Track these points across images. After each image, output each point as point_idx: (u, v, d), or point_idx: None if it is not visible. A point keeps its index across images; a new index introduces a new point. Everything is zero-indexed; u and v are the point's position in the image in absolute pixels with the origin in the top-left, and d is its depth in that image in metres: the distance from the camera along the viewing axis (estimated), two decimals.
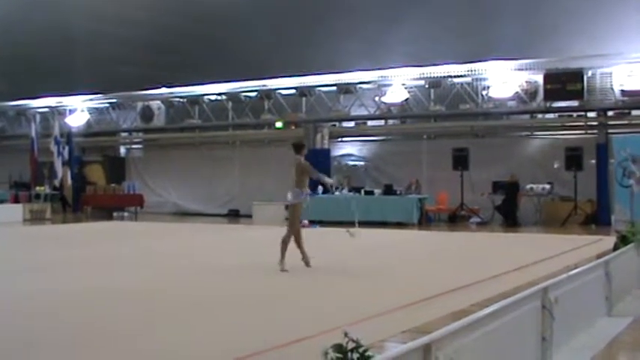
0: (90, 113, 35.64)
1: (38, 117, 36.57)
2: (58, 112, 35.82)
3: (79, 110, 35.54)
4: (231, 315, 8.83)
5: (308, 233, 22.27)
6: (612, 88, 25.07)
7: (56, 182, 31.82)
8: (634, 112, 25.70)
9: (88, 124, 35.57)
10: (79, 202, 32.44)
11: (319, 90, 30.03)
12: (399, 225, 24.89)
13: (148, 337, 7.74)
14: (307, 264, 13.12)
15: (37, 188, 31.56)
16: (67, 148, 31.68)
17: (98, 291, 10.67)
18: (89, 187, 32.81)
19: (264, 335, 7.62)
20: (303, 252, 13.22)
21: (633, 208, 20.89)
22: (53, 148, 31.18)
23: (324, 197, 26.92)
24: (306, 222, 25.10)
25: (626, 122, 25.81)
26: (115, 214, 32.17)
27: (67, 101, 35.78)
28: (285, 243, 13.16)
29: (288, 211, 13.86)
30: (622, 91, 24.83)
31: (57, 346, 7.42)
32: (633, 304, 9.30)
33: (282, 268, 12.81)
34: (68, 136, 32.39)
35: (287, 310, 9.24)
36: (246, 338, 7.54)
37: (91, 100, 35.45)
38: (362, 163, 30.47)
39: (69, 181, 32.03)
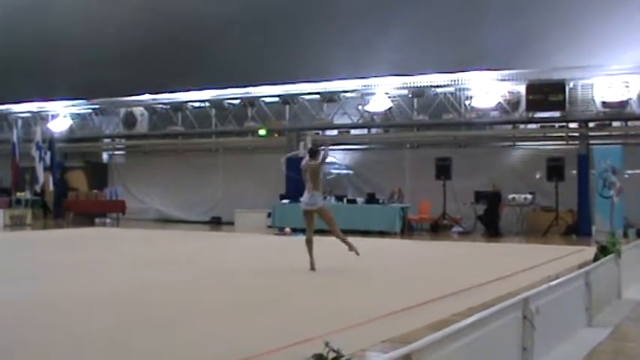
0: (72, 119, 35.50)
1: (20, 122, 36.37)
2: (40, 118, 35.67)
3: (61, 116, 35.40)
4: (206, 323, 8.79)
5: (292, 242, 22.33)
6: (593, 100, 25.25)
7: (38, 188, 31.67)
8: (614, 124, 25.92)
9: (71, 129, 35.42)
10: (60, 208, 32.27)
11: (303, 98, 30.06)
12: (382, 234, 24.92)
13: (124, 343, 7.71)
14: (352, 250, 13.99)
15: (18, 194, 31.39)
16: (48, 153, 31.51)
17: (78, 296, 10.62)
18: (71, 193, 32.62)
19: (240, 344, 7.59)
20: (347, 242, 14.11)
21: (613, 218, 21.03)
22: (35, 153, 31.02)
23: None
24: (288, 230, 25.21)
25: (606, 133, 26.02)
26: (96, 220, 32.02)
27: (50, 106, 35.63)
28: (344, 240, 14.08)
29: (322, 214, 14.27)
30: (603, 102, 25.00)
31: (33, 351, 7.37)
32: (613, 314, 9.34)
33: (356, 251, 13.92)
34: (50, 141, 32.22)
35: (266, 318, 9.21)
36: (224, 347, 7.51)
37: (73, 105, 35.31)
38: (345, 171, 30.49)
39: (51, 186, 31.87)
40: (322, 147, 14.90)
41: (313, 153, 14.28)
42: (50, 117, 35.65)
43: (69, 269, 14.53)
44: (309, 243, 14.14)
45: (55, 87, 32.91)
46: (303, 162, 14.28)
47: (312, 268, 13.94)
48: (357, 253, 13.99)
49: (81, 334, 8.16)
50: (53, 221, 31.75)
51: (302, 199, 14.25)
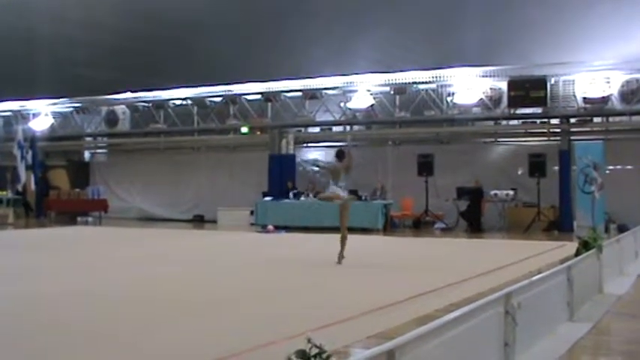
0: (54, 117, 35.31)
1: (1, 121, 36.21)
2: (22, 116, 35.49)
3: (42, 114, 35.20)
4: (188, 321, 8.79)
5: (275, 239, 22.35)
6: (574, 96, 25.37)
7: (19, 187, 31.53)
8: (595, 120, 26.07)
9: (52, 128, 35.22)
10: (42, 207, 32.12)
11: (285, 95, 30.03)
12: (364, 231, 24.94)
13: (110, 340, 7.69)
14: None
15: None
16: (30, 152, 31.40)
17: (63, 294, 10.58)
18: (53, 191, 32.48)
19: (223, 341, 7.60)
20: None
21: (595, 214, 21.14)
22: (16, 152, 30.91)
23: (290, 203, 26.98)
24: (271, 227, 25.22)
25: (587, 129, 26.19)
26: (78, 219, 31.91)
27: (31, 105, 35.43)
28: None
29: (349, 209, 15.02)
30: (584, 98, 25.13)
31: (20, 347, 7.35)
32: (594, 309, 9.40)
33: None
34: (32, 140, 32.09)
35: (250, 315, 9.21)
36: (209, 344, 7.52)
37: (55, 104, 35.12)
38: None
39: (32, 185, 31.74)
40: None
41: (340, 155, 15.14)
42: (31, 116, 35.44)
43: (56, 269, 14.48)
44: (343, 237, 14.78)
45: (37, 85, 32.69)
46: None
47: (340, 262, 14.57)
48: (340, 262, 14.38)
49: (77, 331, 8.14)
50: (35, 220, 31.61)
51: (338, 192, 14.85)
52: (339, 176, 14.76)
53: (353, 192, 26.39)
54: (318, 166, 14.63)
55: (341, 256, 14.58)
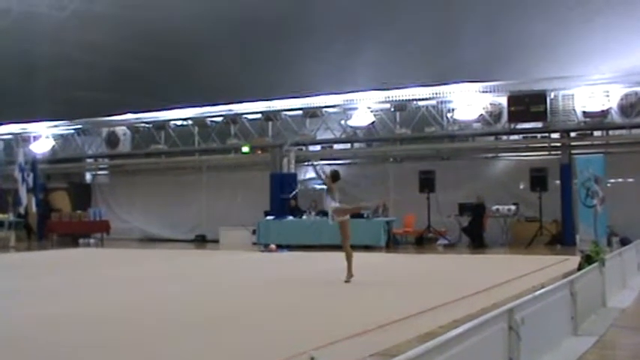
0: (55, 139, 35.40)
1: (1, 144, 36.27)
2: (22, 139, 35.54)
3: (43, 137, 35.27)
4: (195, 340, 8.76)
5: (277, 258, 22.32)
6: (574, 110, 25.42)
7: (21, 209, 31.50)
8: (596, 133, 26.08)
9: (53, 150, 35.31)
10: (43, 230, 32.09)
11: (285, 114, 30.08)
12: (367, 248, 24.90)
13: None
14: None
15: (1, 216, 31.20)
16: (31, 175, 31.40)
17: (65, 316, 10.55)
18: (54, 214, 32.46)
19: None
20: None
21: (597, 227, 21.10)
22: (17, 175, 30.91)
23: (292, 221, 26.96)
24: (273, 246, 25.18)
25: (588, 143, 26.21)
26: (80, 240, 31.87)
27: (31, 128, 35.51)
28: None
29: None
30: (584, 112, 25.17)
31: None
32: (598, 323, 9.37)
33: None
34: (33, 162, 32.11)
35: (253, 333, 9.19)
36: None
37: (55, 126, 35.23)
38: None
39: (34, 208, 31.73)
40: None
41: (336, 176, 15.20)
42: (32, 138, 35.52)
43: (58, 291, 14.44)
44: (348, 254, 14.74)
45: (37, 108, 32.80)
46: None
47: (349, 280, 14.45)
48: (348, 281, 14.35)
49: (76, 352, 8.12)
50: (37, 243, 31.57)
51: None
52: (333, 193, 14.79)
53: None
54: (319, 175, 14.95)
55: (349, 275, 14.47)
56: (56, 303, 12.41)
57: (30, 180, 31.29)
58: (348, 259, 14.60)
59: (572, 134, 26.17)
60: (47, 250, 27.89)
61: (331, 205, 14.73)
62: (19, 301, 12.81)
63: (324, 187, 15.16)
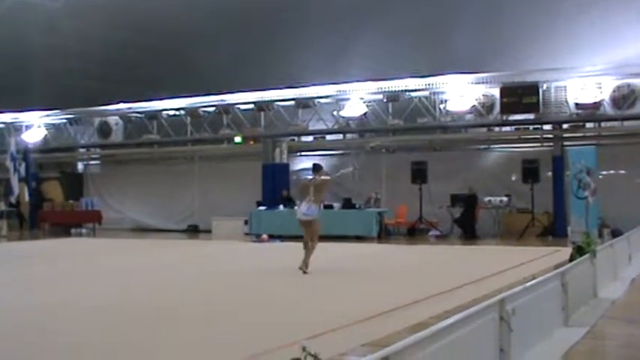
0: (47, 129, 35.26)
1: None
2: (14, 128, 35.42)
3: (35, 126, 35.16)
4: (187, 330, 8.77)
5: (269, 249, 22.34)
6: (567, 102, 25.42)
7: (13, 199, 31.44)
8: (588, 125, 26.11)
9: (45, 140, 35.17)
10: (35, 219, 32.04)
11: (278, 105, 30.02)
12: (359, 239, 24.96)
13: (101, 351, 7.68)
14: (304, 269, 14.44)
15: None
16: (23, 164, 31.34)
17: (56, 306, 10.55)
18: (46, 203, 32.40)
19: (217, 350, 7.59)
20: (308, 259, 14.62)
21: (588, 219, 21.17)
22: (9, 164, 30.86)
23: (284, 212, 26.96)
24: (265, 236, 25.20)
25: (580, 135, 26.24)
26: (72, 230, 31.82)
27: (23, 117, 35.39)
28: (309, 254, 14.62)
29: (313, 224, 14.96)
30: (576, 104, 25.19)
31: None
32: (589, 314, 9.41)
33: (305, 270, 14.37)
34: (25, 152, 32.04)
35: (245, 324, 9.21)
36: (203, 353, 7.51)
37: (47, 115, 35.08)
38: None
39: (26, 197, 31.67)
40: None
41: (317, 168, 15.59)
42: (24, 127, 35.39)
43: (50, 281, 14.44)
44: (305, 246, 14.82)
45: (29, 97, 32.68)
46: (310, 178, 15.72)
47: (304, 270, 14.40)
48: (305, 272, 14.35)
49: (66, 342, 8.13)
50: (29, 232, 31.52)
51: (300, 209, 15.25)
52: (308, 191, 14.99)
53: (347, 200, 26.65)
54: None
55: (304, 265, 14.52)
56: (49, 293, 12.42)
57: (22, 169, 31.24)
58: (308, 255, 14.70)
59: (565, 126, 26.20)
60: (39, 240, 27.86)
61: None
62: (12, 291, 12.81)
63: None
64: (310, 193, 14.93)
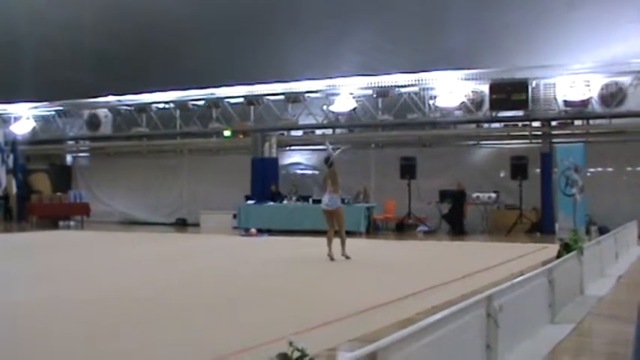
0: (35, 121, 35.12)
1: None
2: (3, 120, 35.28)
3: (24, 118, 35.01)
4: (175, 324, 8.77)
5: (258, 242, 22.33)
6: (555, 99, 25.49)
7: (0, 191, 31.32)
8: (576, 122, 26.21)
9: (34, 131, 35.04)
10: (23, 212, 31.93)
11: (267, 99, 30.00)
12: (347, 233, 24.86)
13: (90, 343, 7.67)
14: (344, 254, 16.02)
15: None
16: (11, 156, 31.22)
17: (44, 300, 10.54)
18: (34, 195, 32.30)
19: (208, 345, 7.59)
20: (344, 245, 16.20)
21: (576, 216, 21.24)
22: None
23: (273, 206, 26.97)
24: (253, 230, 25.20)
25: (568, 132, 26.31)
26: (60, 223, 31.74)
27: (12, 108, 35.24)
28: (343, 242, 16.15)
29: (337, 214, 16.23)
30: (565, 101, 25.26)
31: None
32: (576, 311, 9.45)
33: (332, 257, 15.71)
34: (13, 144, 31.92)
35: (232, 318, 9.21)
36: (191, 348, 7.51)
37: (36, 107, 34.95)
38: (310, 171, 30.51)
39: (14, 189, 31.56)
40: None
41: (327, 161, 16.51)
42: (13, 119, 35.25)
43: (37, 274, 14.41)
44: (329, 238, 15.96)
45: (18, 88, 32.50)
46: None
47: (331, 258, 15.68)
48: (348, 257, 15.88)
49: (54, 337, 8.12)
50: (16, 224, 31.42)
51: (323, 200, 16.28)
52: (326, 184, 16.15)
53: None
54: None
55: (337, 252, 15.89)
56: (39, 287, 12.40)
57: (10, 161, 31.12)
58: (343, 243, 16.21)
59: (553, 123, 26.29)
60: (27, 232, 27.77)
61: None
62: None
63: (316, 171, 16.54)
64: (328, 184, 16.04)
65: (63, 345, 7.80)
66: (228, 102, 30.78)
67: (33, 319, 9.25)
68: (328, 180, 16.17)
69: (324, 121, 29.41)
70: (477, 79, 26.41)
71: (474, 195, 25.86)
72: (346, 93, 28.17)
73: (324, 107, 29.07)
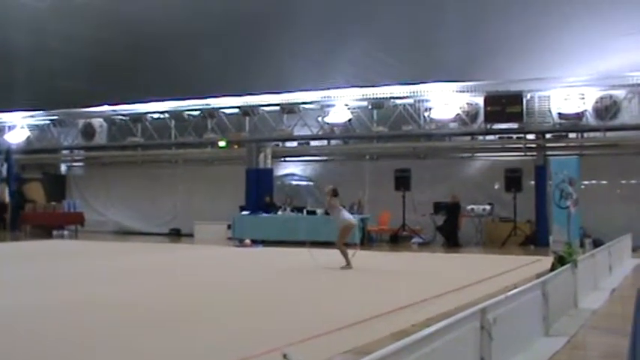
0: (30, 130, 35.09)
1: None
2: None
3: (18, 127, 34.98)
4: (169, 336, 8.75)
5: (252, 253, 22.30)
6: (550, 111, 25.55)
7: None
8: (571, 135, 26.25)
9: (28, 140, 34.99)
10: (17, 221, 31.85)
11: (263, 110, 30.02)
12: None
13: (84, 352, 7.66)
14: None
15: None
16: (5, 165, 31.18)
17: (40, 309, 10.51)
18: (28, 205, 32.23)
19: (202, 356, 7.58)
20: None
21: (570, 229, 21.23)
22: None
23: (267, 217, 26.95)
24: (248, 241, 25.17)
25: (563, 145, 26.35)
26: (54, 232, 31.67)
27: (7, 117, 35.20)
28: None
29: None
30: (559, 114, 25.33)
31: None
32: (569, 323, 9.45)
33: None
34: (7, 153, 31.88)
35: (226, 329, 9.19)
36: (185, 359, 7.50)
37: (31, 116, 34.92)
38: (305, 182, 30.50)
39: (7, 198, 31.49)
40: None
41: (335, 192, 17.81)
42: (7, 128, 35.20)
43: (31, 283, 14.37)
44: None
45: (13, 97, 32.48)
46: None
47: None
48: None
49: (46, 344, 8.10)
50: (10, 234, 31.33)
51: (348, 216, 17.94)
52: (336, 202, 17.50)
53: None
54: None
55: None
56: (31, 294, 12.36)
57: (4, 170, 31.11)
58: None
59: (548, 136, 26.33)
60: (20, 242, 27.70)
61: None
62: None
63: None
64: (337, 205, 17.56)
65: (57, 350, 7.79)
66: (223, 112, 30.79)
67: (27, 325, 9.23)
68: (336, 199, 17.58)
69: (319, 132, 29.41)
70: (471, 92, 26.48)
71: (469, 207, 25.86)
72: (341, 104, 28.21)
73: (320, 118, 29.10)
